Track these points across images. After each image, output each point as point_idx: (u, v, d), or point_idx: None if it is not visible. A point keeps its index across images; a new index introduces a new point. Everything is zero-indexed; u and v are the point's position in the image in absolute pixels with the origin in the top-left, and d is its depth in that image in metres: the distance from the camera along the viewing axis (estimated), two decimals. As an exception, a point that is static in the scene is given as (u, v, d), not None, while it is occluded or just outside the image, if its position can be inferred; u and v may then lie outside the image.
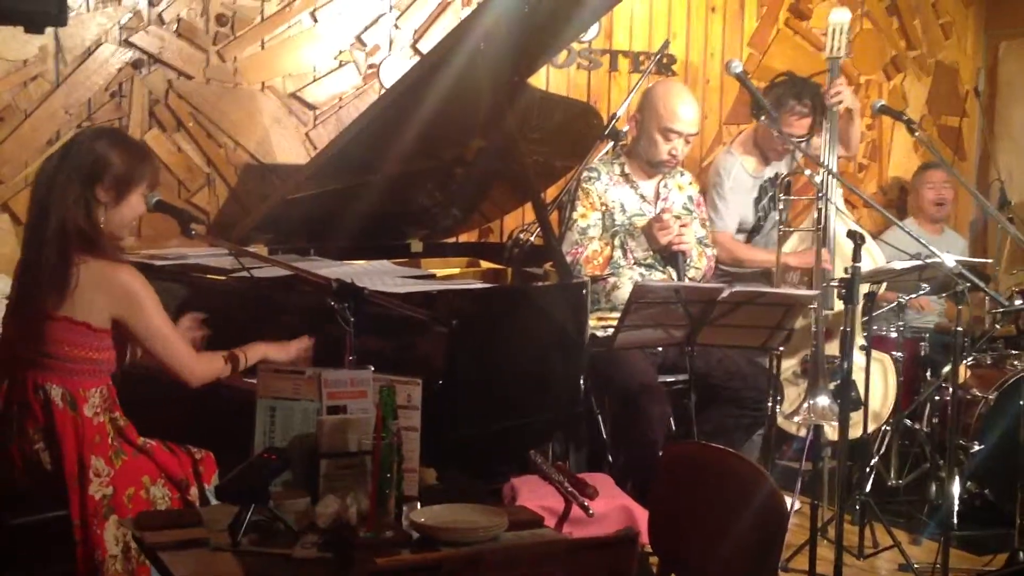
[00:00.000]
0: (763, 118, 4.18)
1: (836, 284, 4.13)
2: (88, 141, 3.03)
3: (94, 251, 2.93)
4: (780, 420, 4.33)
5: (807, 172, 4.25)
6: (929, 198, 5.67)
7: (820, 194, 4.30)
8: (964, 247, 5.89)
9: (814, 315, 4.02)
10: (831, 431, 4.10)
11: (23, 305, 3.02)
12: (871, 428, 4.60)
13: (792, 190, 4.72)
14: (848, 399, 3.66)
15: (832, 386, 4.01)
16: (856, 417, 4.09)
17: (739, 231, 4.89)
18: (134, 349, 3.12)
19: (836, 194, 4.53)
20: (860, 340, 4.18)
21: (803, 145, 4.80)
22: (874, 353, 4.55)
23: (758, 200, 4.87)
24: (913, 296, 4.65)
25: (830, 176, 4.35)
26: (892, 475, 4.90)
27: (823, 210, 4.35)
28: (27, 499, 2.96)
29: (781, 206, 4.30)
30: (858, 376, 4.24)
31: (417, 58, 4.86)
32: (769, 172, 4.92)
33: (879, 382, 4.55)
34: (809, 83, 4.97)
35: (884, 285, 4.59)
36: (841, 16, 4.62)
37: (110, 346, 3.00)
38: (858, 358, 4.33)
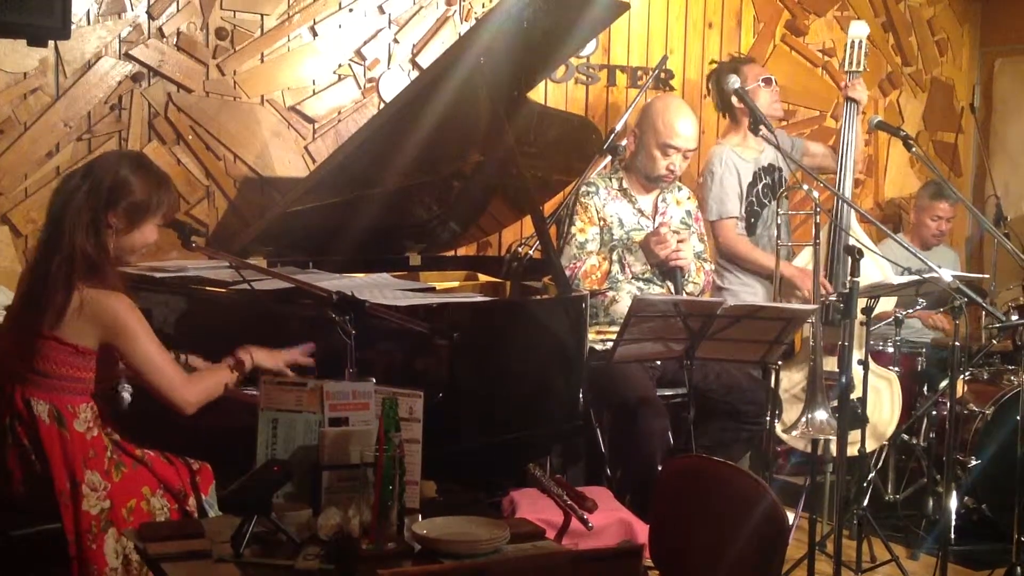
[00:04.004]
0: (761, 131, 4.19)
1: (834, 299, 4.14)
2: (110, 165, 3.02)
3: (95, 278, 2.92)
4: (787, 436, 4.32)
5: (804, 187, 4.25)
6: (931, 228, 5.68)
7: (817, 208, 4.31)
8: (955, 260, 5.91)
9: (812, 329, 4.02)
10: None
11: (20, 320, 3.01)
12: (872, 447, 4.58)
13: (789, 204, 4.74)
14: (846, 413, 3.66)
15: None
16: (856, 435, 4.07)
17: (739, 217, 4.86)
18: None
19: (851, 217, 4.53)
20: (859, 355, 4.18)
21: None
22: (882, 371, 4.56)
23: (752, 185, 4.85)
24: (910, 311, 4.66)
25: (836, 190, 4.37)
26: (890, 490, 4.91)
27: (833, 223, 4.36)
28: (25, 510, 2.95)
29: (779, 220, 4.31)
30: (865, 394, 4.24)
31: (416, 72, 4.88)
32: (763, 160, 4.89)
33: (886, 401, 4.53)
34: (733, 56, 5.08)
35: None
36: (860, 29, 4.64)
37: (94, 366, 2.98)
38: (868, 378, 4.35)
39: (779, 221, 4.32)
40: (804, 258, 4.61)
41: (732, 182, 4.75)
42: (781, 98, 5.10)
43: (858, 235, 4.48)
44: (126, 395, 3.13)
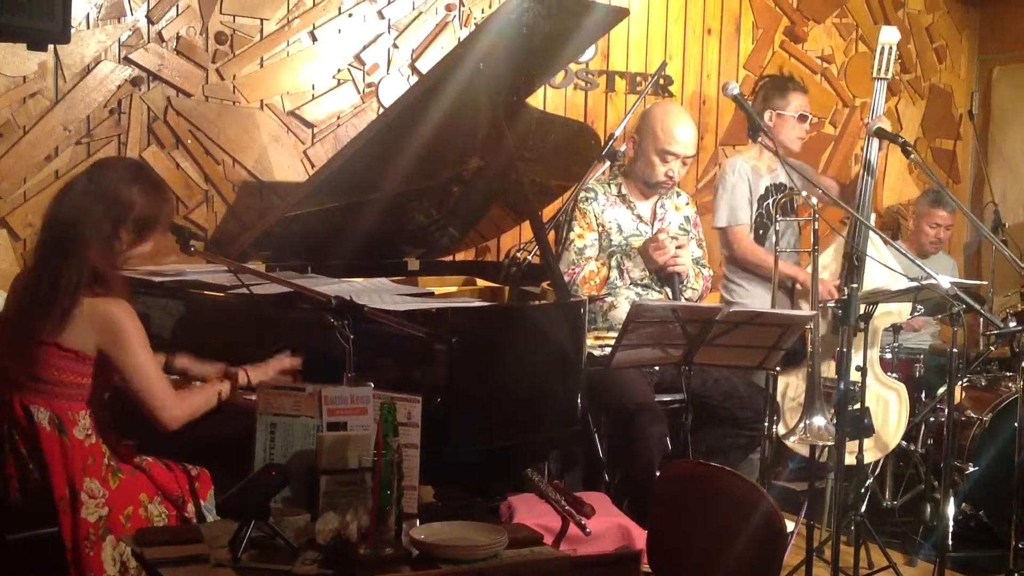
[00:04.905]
0: (760, 139, 4.19)
1: (833, 305, 4.14)
2: (120, 176, 3.02)
3: (102, 286, 2.93)
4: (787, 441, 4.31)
5: (804, 193, 4.25)
6: (929, 235, 5.67)
7: (815, 214, 4.31)
8: (953, 267, 5.91)
9: (811, 335, 4.02)
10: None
11: (17, 326, 3.00)
12: (874, 458, 4.57)
13: (794, 210, 4.72)
14: (844, 419, 3.66)
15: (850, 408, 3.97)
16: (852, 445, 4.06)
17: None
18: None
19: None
20: (858, 361, 4.17)
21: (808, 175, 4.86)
22: (892, 382, 4.55)
23: (763, 198, 4.85)
24: (908, 317, 4.66)
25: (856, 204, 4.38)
26: (887, 496, 4.91)
27: (850, 234, 4.34)
28: (23, 515, 2.94)
29: (778, 226, 4.30)
30: (872, 404, 4.23)
31: (415, 77, 4.89)
32: (776, 177, 4.87)
33: (893, 413, 4.52)
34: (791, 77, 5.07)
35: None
36: (891, 35, 4.61)
37: (91, 372, 2.98)
38: (876, 387, 4.33)
39: (778, 228, 4.32)
40: (828, 256, 4.56)
41: (744, 190, 4.74)
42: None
43: (878, 245, 4.45)
44: None
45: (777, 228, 4.34)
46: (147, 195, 3.02)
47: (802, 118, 4.84)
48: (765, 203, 4.82)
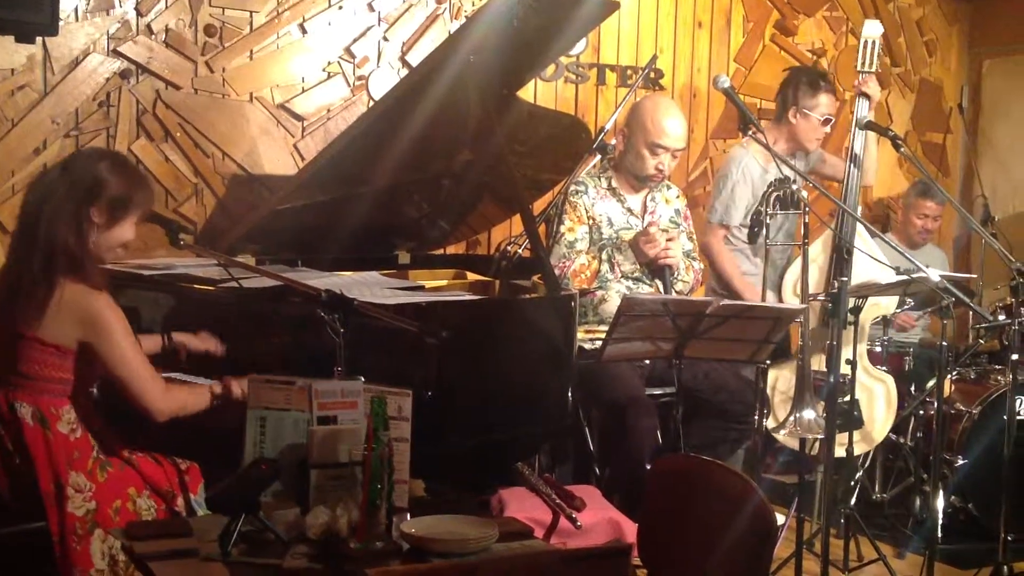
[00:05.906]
0: (750, 132, 4.19)
1: (823, 298, 4.14)
2: (89, 161, 3.02)
3: (77, 274, 2.91)
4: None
5: (795, 187, 4.25)
6: (917, 226, 5.69)
7: (806, 207, 4.31)
8: (943, 259, 5.92)
9: (800, 329, 4.03)
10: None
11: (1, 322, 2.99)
12: (862, 450, 4.58)
13: (794, 203, 4.71)
14: (834, 412, 3.67)
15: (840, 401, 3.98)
16: (842, 438, 4.07)
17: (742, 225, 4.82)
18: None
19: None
20: (850, 355, 4.18)
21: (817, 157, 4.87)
22: (878, 373, 4.55)
23: (767, 190, 4.82)
24: (898, 311, 4.66)
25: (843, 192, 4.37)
26: (877, 489, 4.92)
27: (844, 227, 4.34)
28: (11, 510, 2.94)
29: (768, 220, 4.30)
30: (861, 396, 4.24)
31: (405, 70, 4.88)
32: (785, 170, 4.86)
33: (880, 405, 4.53)
34: (824, 74, 5.03)
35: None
36: (874, 29, 4.61)
37: (73, 367, 2.97)
38: (864, 379, 4.33)
39: (767, 221, 4.31)
40: (816, 249, 4.55)
41: (743, 193, 4.72)
42: (772, 97, 5.11)
43: (866, 238, 4.44)
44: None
45: (768, 223, 4.34)
46: (116, 174, 2.99)
47: (826, 121, 4.81)
48: (770, 196, 4.79)
